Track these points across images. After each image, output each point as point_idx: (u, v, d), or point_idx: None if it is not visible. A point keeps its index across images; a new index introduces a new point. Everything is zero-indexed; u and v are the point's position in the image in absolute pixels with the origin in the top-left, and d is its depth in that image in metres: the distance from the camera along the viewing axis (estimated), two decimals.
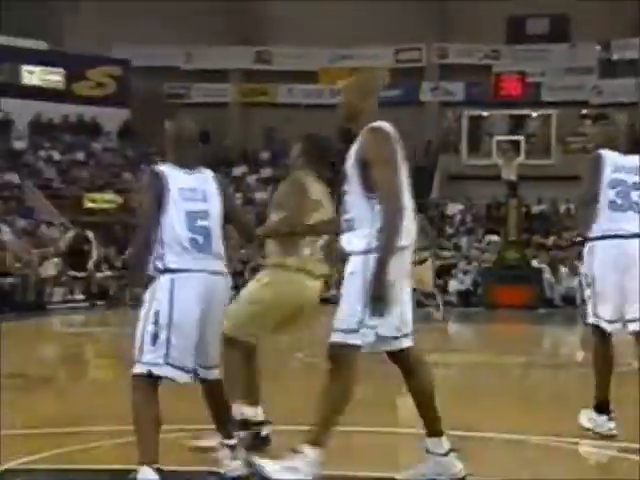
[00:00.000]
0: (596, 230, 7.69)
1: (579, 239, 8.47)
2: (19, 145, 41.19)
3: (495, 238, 36.60)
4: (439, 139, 43.01)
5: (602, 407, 8.01)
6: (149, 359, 6.55)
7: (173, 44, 43.89)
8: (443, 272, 33.43)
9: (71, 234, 32.68)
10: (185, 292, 6.67)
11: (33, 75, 43.11)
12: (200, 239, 6.62)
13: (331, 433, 6.52)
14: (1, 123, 41.84)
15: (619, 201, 7.61)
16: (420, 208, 33.59)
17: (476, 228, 39.81)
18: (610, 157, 7.82)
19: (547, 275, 32.04)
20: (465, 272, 34.34)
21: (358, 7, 42.05)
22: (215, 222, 6.75)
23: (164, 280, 6.61)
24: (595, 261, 7.72)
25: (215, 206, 6.71)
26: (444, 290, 32.17)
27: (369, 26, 41.87)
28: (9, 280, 29.39)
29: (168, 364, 6.53)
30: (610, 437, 7.91)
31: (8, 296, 28.73)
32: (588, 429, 8.00)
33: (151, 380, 6.57)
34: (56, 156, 40.66)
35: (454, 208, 41.34)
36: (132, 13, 41.97)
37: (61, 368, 18.22)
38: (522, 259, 32.63)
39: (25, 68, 42.73)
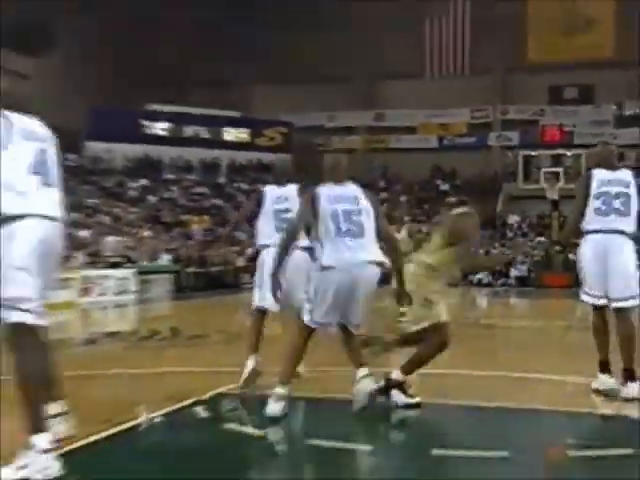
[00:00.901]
0: (585, 229, 7.48)
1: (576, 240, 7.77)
2: (221, 180, 43.22)
3: (542, 239, 37.65)
4: (502, 171, 43.60)
5: (603, 367, 7.54)
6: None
7: (319, 110, 44.92)
8: (506, 264, 34.54)
9: None
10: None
11: (230, 133, 44.93)
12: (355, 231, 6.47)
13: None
14: (212, 165, 43.63)
15: (603, 207, 7.33)
16: (489, 219, 36.43)
17: (529, 232, 40.60)
18: (598, 175, 7.55)
19: None
20: (522, 263, 35.15)
21: (446, 80, 43.26)
22: (366, 218, 6.60)
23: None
24: (584, 252, 7.52)
25: (365, 205, 6.59)
26: (507, 276, 34.31)
27: (454, 93, 42.86)
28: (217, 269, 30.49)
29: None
30: (613, 392, 7.35)
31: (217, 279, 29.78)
32: (597, 389, 7.53)
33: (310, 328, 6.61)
34: (244, 187, 41.58)
35: (513, 219, 42.03)
36: (292, 91, 43.83)
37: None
38: (561, 253, 33.24)
39: (225, 129, 44.69)
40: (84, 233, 26.76)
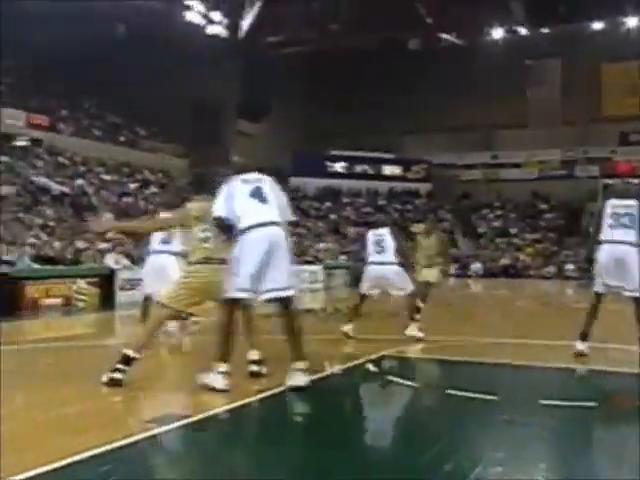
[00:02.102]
0: (602, 240, 7.05)
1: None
2: (382, 202, 42.82)
3: None
4: (586, 195, 39.81)
5: (584, 336, 7.20)
6: None
7: (451, 152, 43.61)
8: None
9: None
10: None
11: (388, 169, 44.59)
12: None
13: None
14: (375, 192, 43.50)
15: (613, 223, 6.97)
16: (579, 231, 35.82)
17: None
18: (611, 203, 7.16)
19: None
20: None
21: (544, 129, 41.62)
22: None
23: None
24: (598, 255, 7.09)
25: None
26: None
27: (550, 138, 41.71)
28: None
29: None
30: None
31: None
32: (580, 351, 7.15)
33: None
34: (398, 207, 41.72)
35: None
36: (431, 138, 42.91)
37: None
38: None
39: (384, 166, 44.52)
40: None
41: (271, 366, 6.13)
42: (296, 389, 5.32)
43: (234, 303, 5.53)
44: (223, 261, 5.79)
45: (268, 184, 5.67)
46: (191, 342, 8.92)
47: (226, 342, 5.54)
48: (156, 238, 9.01)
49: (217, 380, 5.41)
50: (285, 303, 5.46)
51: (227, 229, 5.61)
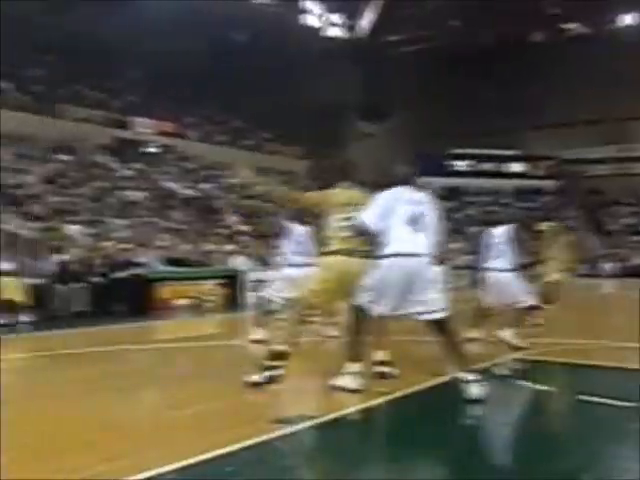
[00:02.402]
0: None
1: None
2: (507, 200, 40.98)
3: None
4: None
5: None
6: None
7: (579, 147, 42.00)
8: None
9: None
10: None
11: (513, 167, 43.71)
12: None
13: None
14: (500, 191, 41.94)
15: None
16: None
17: None
18: None
19: None
20: None
21: None
22: None
23: None
24: None
25: None
26: None
27: None
28: None
29: None
30: None
31: None
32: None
33: None
34: (523, 205, 39.28)
35: None
36: (557, 133, 41.87)
37: None
38: None
39: (510, 164, 43.74)
40: None
41: (401, 368, 6.11)
42: (473, 401, 5.18)
43: (362, 311, 5.50)
44: (359, 253, 5.74)
45: (427, 207, 5.58)
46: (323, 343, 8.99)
47: (356, 342, 5.53)
48: (288, 250, 9.00)
49: (350, 380, 5.44)
50: (436, 325, 5.37)
51: (365, 234, 5.58)
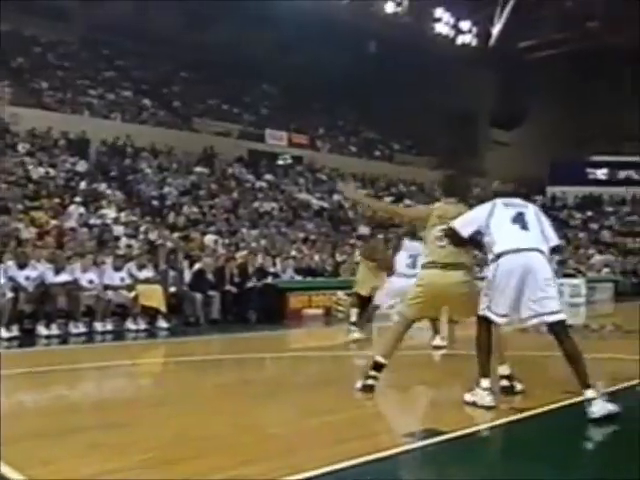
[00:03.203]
0: None
1: None
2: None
3: None
4: None
5: None
6: None
7: None
8: None
9: None
10: None
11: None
12: None
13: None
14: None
15: None
16: None
17: None
18: None
19: None
20: None
21: None
22: None
23: None
24: None
25: None
26: None
27: None
28: None
29: None
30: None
31: None
32: None
33: None
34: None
35: None
36: None
37: None
38: None
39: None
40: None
41: (527, 384, 5.99)
42: (605, 417, 4.95)
43: (487, 321, 5.49)
44: (456, 265, 5.84)
45: (532, 210, 5.63)
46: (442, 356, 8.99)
47: (485, 358, 5.51)
48: (402, 262, 9.56)
49: (483, 397, 5.42)
50: (554, 328, 5.28)
51: (457, 240, 5.69)
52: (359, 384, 6.03)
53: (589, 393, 5.05)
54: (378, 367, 6.02)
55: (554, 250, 5.60)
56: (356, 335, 10.38)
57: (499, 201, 5.63)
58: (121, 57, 30.54)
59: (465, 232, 5.58)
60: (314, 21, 29.67)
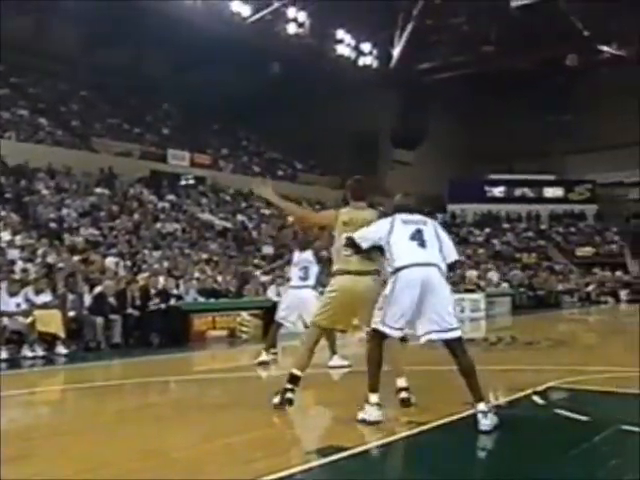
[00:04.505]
0: None
1: None
2: (543, 226, 41.21)
3: None
4: None
5: None
6: None
7: (617, 170, 40.73)
8: None
9: None
10: None
11: (549, 192, 42.67)
12: None
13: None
14: (536, 216, 41.57)
15: None
16: None
17: None
18: None
19: None
20: None
21: None
22: None
23: None
24: None
25: None
26: None
27: None
28: None
29: None
30: None
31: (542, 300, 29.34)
32: None
33: None
34: (561, 230, 40.40)
35: None
36: (593, 157, 40.90)
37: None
38: None
39: (545, 189, 42.70)
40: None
41: (423, 398, 6.11)
42: (484, 432, 5.11)
43: (381, 336, 5.51)
44: (365, 272, 5.95)
45: (431, 227, 5.67)
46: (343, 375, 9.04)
47: (375, 372, 5.54)
48: (295, 275, 9.81)
49: (371, 412, 5.45)
50: (450, 344, 5.36)
51: (356, 250, 5.79)
52: (276, 399, 6.10)
53: (481, 406, 5.19)
54: (294, 380, 6.12)
55: (453, 266, 5.67)
56: (263, 357, 10.24)
57: (399, 217, 5.68)
58: (17, 74, 29.64)
59: (364, 244, 5.68)
60: (216, 41, 29.66)
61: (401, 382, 6.13)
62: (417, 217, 5.74)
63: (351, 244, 5.78)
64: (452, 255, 5.71)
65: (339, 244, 6.10)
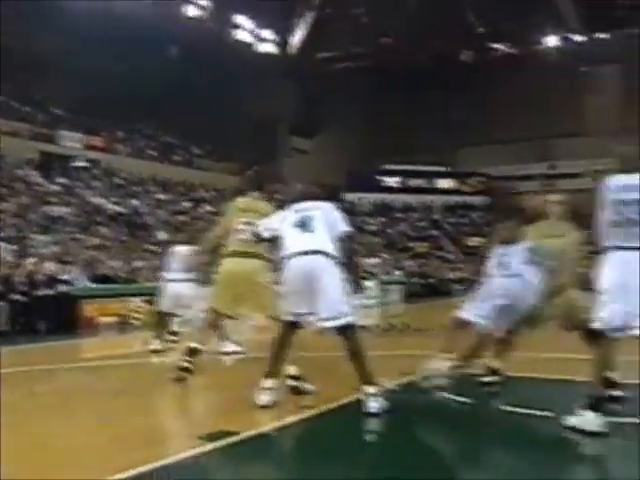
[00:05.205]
0: None
1: None
2: (436, 216, 42.59)
3: None
4: None
5: None
6: None
7: (508, 163, 41.84)
8: None
9: None
10: None
11: (442, 183, 44.24)
12: None
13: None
14: (429, 207, 42.95)
15: None
16: None
17: None
18: None
19: None
20: None
21: (600, 138, 40.66)
22: None
23: None
24: None
25: None
26: None
27: (606, 150, 41.13)
28: None
29: None
30: None
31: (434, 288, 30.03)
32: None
33: None
34: (453, 221, 42.06)
35: None
36: (487, 151, 42.24)
37: None
38: None
39: (438, 180, 44.26)
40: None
41: (319, 383, 6.16)
42: (372, 415, 5.19)
43: (289, 324, 5.57)
44: (250, 255, 6.21)
45: (320, 213, 5.61)
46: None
47: (274, 358, 5.58)
48: (173, 267, 9.89)
49: (258, 396, 5.49)
50: (342, 331, 5.37)
51: (261, 241, 5.94)
52: (174, 375, 6.45)
53: (370, 389, 5.26)
54: (193, 352, 6.49)
55: (347, 238, 5.57)
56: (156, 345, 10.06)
57: (294, 207, 5.72)
58: None
59: (265, 234, 5.79)
60: (112, 21, 28.87)
61: (292, 370, 6.12)
62: (310, 204, 5.72)
63: (256, 234, 5.91)
64: (340, 227, 5.62)
65: (232, 228, 6.32)
